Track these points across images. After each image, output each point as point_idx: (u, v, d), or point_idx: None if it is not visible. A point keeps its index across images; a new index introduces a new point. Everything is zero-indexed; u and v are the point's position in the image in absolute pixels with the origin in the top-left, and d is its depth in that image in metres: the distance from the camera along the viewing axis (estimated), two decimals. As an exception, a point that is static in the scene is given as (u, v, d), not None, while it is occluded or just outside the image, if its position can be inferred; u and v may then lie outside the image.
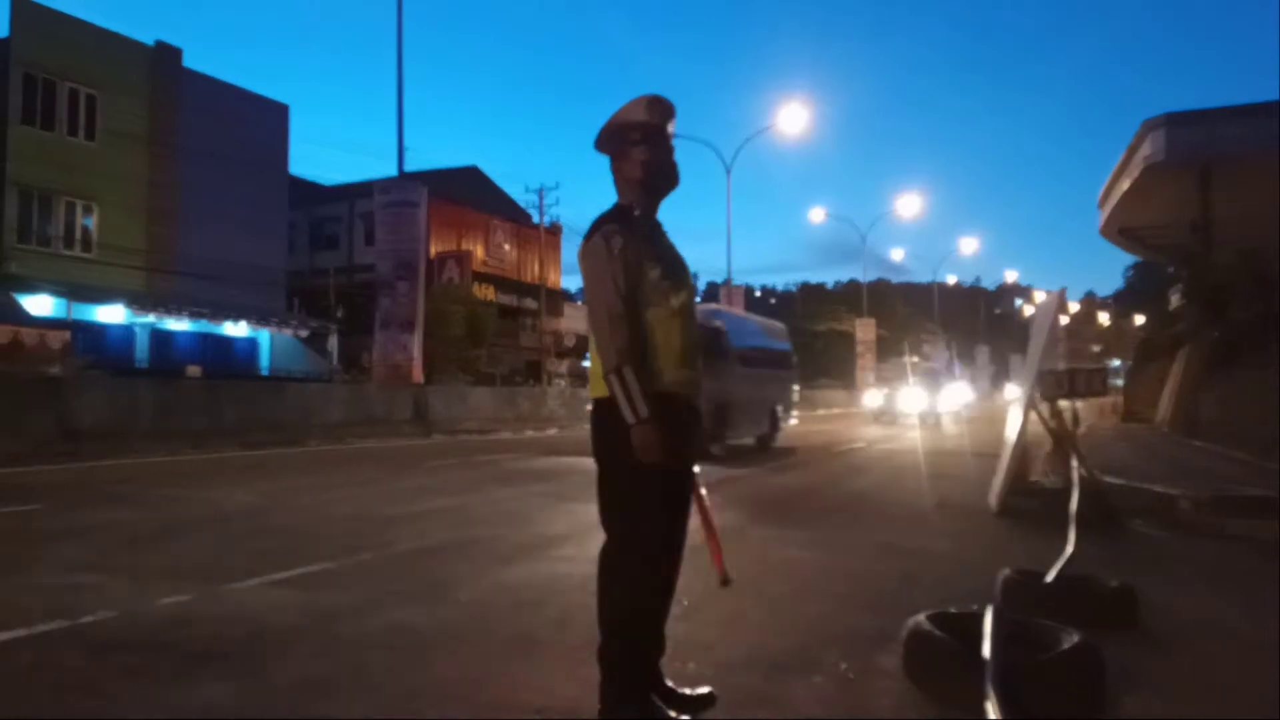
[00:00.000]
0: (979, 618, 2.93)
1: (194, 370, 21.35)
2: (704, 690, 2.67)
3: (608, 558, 2.51)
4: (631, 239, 2.47)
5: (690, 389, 2.53)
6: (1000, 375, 57.51)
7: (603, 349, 2.41)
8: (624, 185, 2.61)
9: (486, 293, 35.46)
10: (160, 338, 23.56)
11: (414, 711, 2.69)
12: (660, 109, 2.58)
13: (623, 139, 2.59)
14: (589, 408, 2.58)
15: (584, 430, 2.60)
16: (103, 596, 3.89)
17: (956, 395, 31.84)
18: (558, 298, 39.82)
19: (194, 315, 23.25)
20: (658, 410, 2.36)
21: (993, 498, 6.99)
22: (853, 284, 67.53)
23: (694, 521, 2.69)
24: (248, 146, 25.01)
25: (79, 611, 3.61)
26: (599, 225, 2.52)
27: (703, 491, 2.72)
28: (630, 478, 2.42)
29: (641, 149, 2.57)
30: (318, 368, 26.40)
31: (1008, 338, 74.68)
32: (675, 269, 2.56)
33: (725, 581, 2.77)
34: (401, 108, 19.80)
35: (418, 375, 19.19)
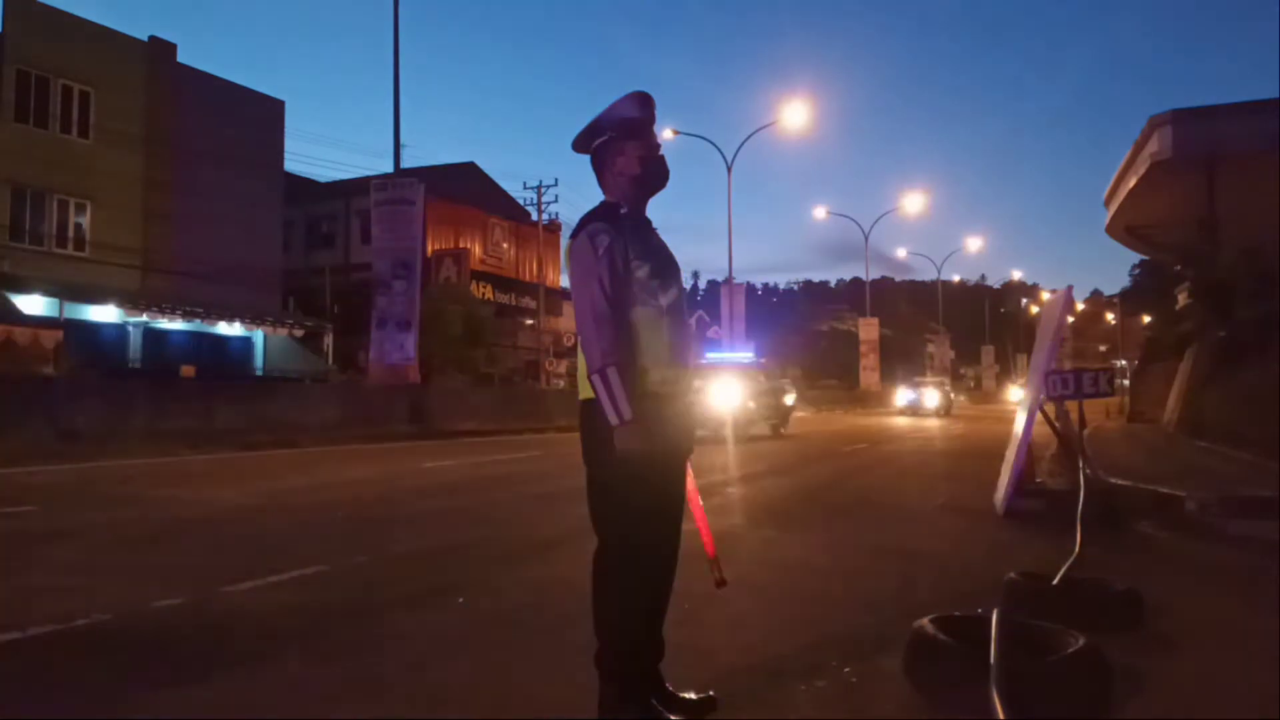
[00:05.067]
0: (983, 621, 2.91)
1: (188, 370, 21.30)
2: (704, 694, 2.64)
3: (601, 561, 2.48)
4: (618, 238, 2.44)
5: (679, 388, 2.50)
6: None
7: (588, 349, 2.38)
8: (614, 183, 2.58)
9: (484, 291, 35.45)
10: (154, 337, 23.47)
11: (411, 715, 2.65)
12: (651, 105, 2.58)
13: (616, 135, 2.55)
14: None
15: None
16: (97, 599, 3.85)
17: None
18: (557, 297, 39.82)
19: (188, 315, 23.16)
20: (643, 411, 2.33)
21: (998, 499, 6.96)
22: (855, 282, 67.64)
23: (692, 524, 2.65)
24: (243, 143, 24.94)
25: (73, 614, 3.57)
26: (584, 224, 2.49)
27: (696, 492, 2.68)
28: (619, 480, 2.39)
29: (637, 144, 2.55)
30: (313, 368, 26.33)
31: (1013, 337, 74.91)
32: (664, 267, 2.52)
33: (720, 583, 2.75)
34: (398, 104, 19.72)
35: (415, 375, 19.14)
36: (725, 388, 15.90)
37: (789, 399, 18.82)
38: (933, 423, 26.92)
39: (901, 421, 27.31)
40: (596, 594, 2.47)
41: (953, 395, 38.42)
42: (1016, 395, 51.20)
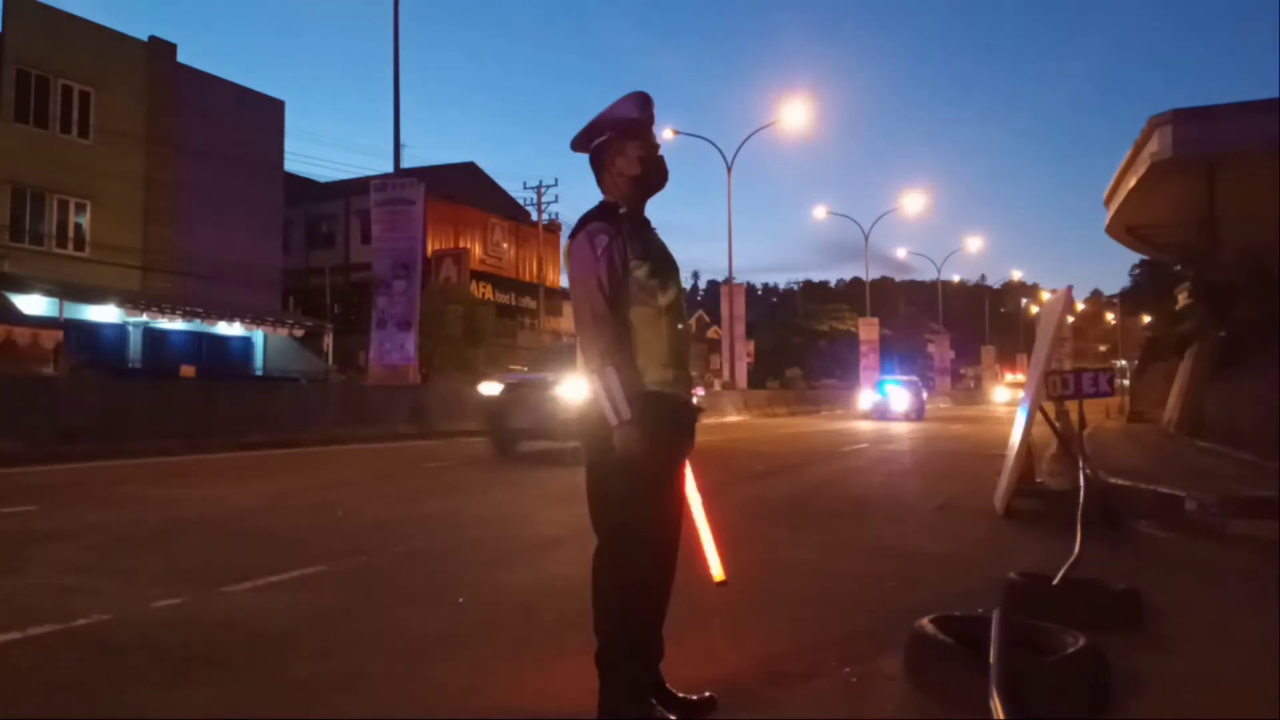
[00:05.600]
0: (984, 621, 2.91)
1: (188, 370, 21.32)
2: (704, 694, 2.64)
3: (601, 561, 2.48)
4: (617, 237, 2.45)
5: (678, 388, 2.51)
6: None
7: (586, 349, 2.39)
8: (614, 183, 2.59)
9: (484, 291, 35.49)
10: (154, 337, 23.50)
11: (411, 715, 2.65)
12: (650, 105, 2.58)
13: (616, 136, 2.56)
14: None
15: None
16: (96, 599, 3.85)
17: None
18: (556, 296, 39.87)
19: (188, 315, 23.18)
20: (642, 411, 2.33)
21: (998, 499, 6.96)
22: (856, 282, 67.71)
23: (692, 523, 2.65)
24: (243, 143, 24.96)
25: (73, 614, 3.57)
26: (583, 224, 2.49)
27: (695, 492, 2.69)
28: (619, 479, 2.39)
29: (637, 145, 2.56)
30: (313, 368, 26.36)
31: (1013, 337, 74.99)
32: (663, 267, 2.53)
33: (720, 582, 2.75)
34: (398, 104, 19.72)
35: (414, 375, 19.14)
36: (518, 388, 10.86)
37: None
38: (900, 429, 22.26)
39: (861, 428, 22.04)
40: (596, 593, 2.47)
41: (925, 395, 32.15)
42: (1002, 396, 50.62)
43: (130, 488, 7.96)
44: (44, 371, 15.84)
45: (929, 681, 2.87)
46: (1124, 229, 23.28)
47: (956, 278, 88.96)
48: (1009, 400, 47.94)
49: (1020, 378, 55.02)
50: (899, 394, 28.90)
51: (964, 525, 6.64)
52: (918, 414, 28.16)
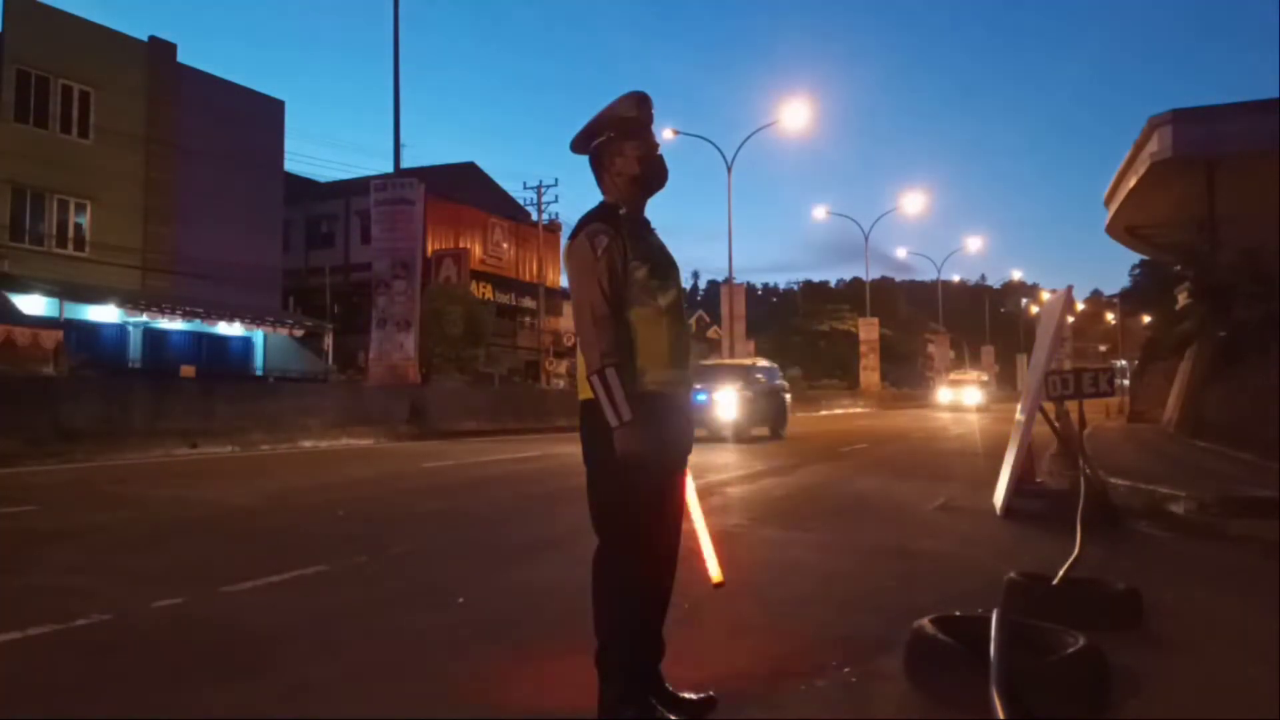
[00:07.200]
0: (984, 621, 2.91)
1: (188, 370, 21.31)
2: (705, 694, 2.64)
3: (601, 561, 2.49)
4: (617, 238, 2.45)
5: (678, 388, 2.51)
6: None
7: (587, 350, 2.39)
8: (613, 183, 2.59)
9: (484, 291, 35.50)
10: (154, 337, 23.49)
11: (411, 715, 2.65)
12: (648, 105, 2.58)
13: (614, 136, 2.56)
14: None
15: (584, 431, 2.54)
16: (96, 599, 3.85)
17: None
18: (556, 296, 39.88)
19: (188, 315, 23.17)
20: (642, 411, 2.34)
21: (998, 499, 6.95)
22: (856, 282, 67.62)
23: (692, 524, 2.65)
24: (243, 143, 24.95)
25: (72, 614, 3.57)
26: (583, 225, 2.49)
27: (693, 492, 2.69)
28: (619, 480, 2.39)
29: (635, 144, 2.56)
30: (313, 367, 26.36)
31: (1013, 337, 74.99)
32: (663, 268, 2.53)
33: (718, 584, 2.75)
34: (398, 104, 19.72)
35: (414, 375, 19.14)
36: None
37: None
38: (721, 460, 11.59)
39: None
40: (596, 594, 2.47)
41: (789, 395, 18.75)
42: (946, 397, 42.79)
43: (130, 488, 7.97)
44: (44, 371, 15.82)
45: (929, 681, 2.87)
46: (1124, 229, 23.28)
47: (956, 278, 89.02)
48: (951, 402, 40.60)
49: (970, 373, 49.33)
50: (729, 396, 15.56)
51: (964, 525, 6.63)
52: (771, 429, 16.81)
